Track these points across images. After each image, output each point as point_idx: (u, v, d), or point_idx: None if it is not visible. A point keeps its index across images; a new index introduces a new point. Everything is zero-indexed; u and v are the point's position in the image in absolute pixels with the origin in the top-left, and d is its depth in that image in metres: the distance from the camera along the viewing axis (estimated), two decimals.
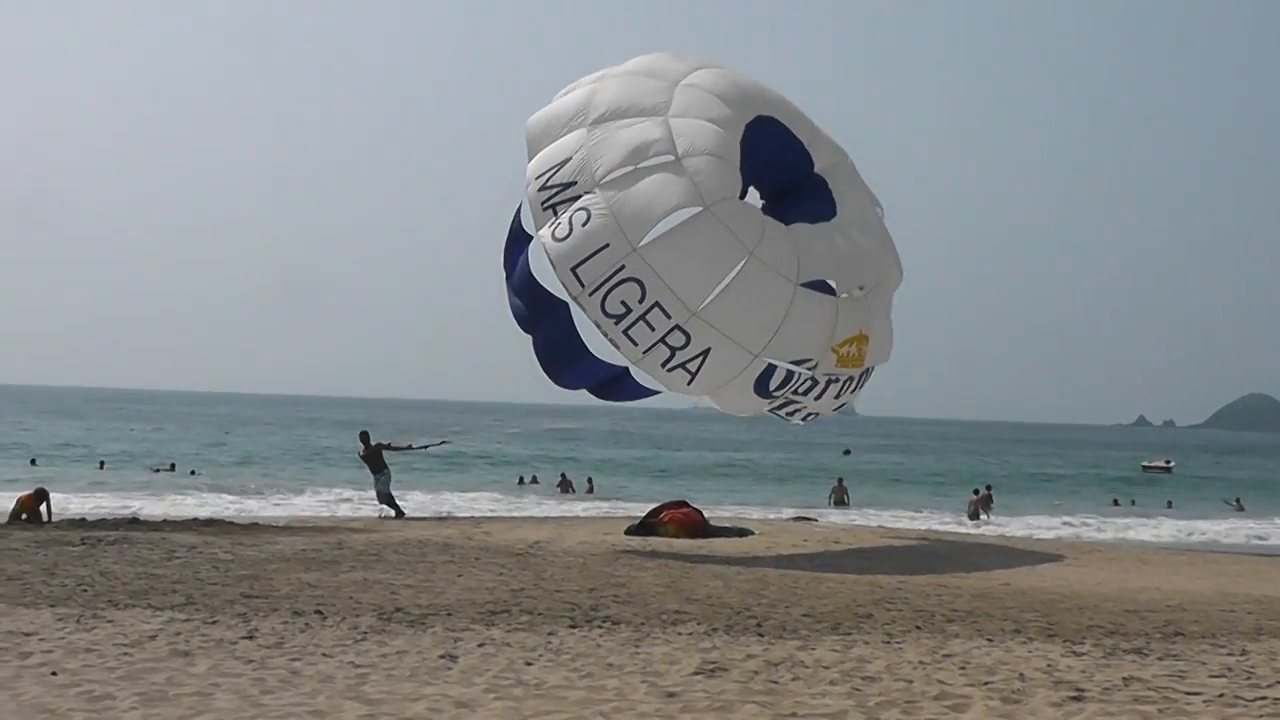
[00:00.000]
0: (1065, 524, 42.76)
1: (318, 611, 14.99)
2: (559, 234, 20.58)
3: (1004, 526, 39.75)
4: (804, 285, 21.22)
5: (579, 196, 20.72)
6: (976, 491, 47.06)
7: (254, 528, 25.89)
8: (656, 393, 22.33)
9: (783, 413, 22.59)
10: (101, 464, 59.00)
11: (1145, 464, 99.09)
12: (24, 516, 26.55)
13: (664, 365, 20.68)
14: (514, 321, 22.30)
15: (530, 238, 21.52)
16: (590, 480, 53.48)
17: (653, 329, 20.33)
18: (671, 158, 20.98)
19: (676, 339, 20.40)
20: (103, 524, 25.80)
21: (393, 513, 30.39)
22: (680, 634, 14.16)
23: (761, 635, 14.23)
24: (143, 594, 16.02)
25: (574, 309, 21.14)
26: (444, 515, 33.24)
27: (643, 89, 21.88)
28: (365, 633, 13.74)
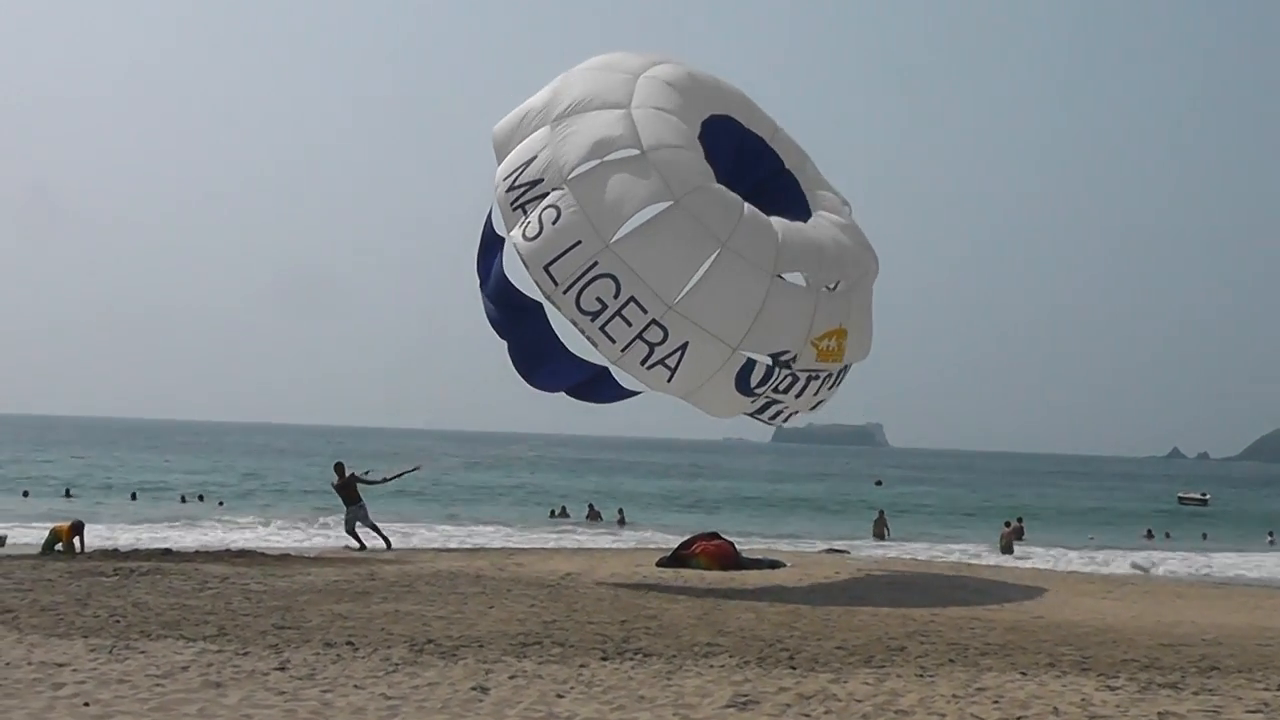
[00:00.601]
0: (1099, 556, 42.50)
1: (349, 643, 15.00)
2: (529, 233, 20.37)
3: (1037, 559, 39.52)
4: (780, 277, 20.94)
5: (547, 194, 20.52)
6: (1008, 524, 46.86)
7: (286, 559, 25.93)
8: (636, 394, 21.96)
9: (764, 416, 22.12)
10: (134, 495, 59.24)
11: (1181, 496, 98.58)
12: (58, 547, 26.67)
13: (643, 363, 20.37)
14: (491, 329, 22.12)
15: (502, 241, 21.31)
16: (620, 511, 53.43)
17: (629, 324, 20.03)
18: (637, 151, 20.72)
19: (654, 334, 20.11)
20: (135, 554, 25.88)
21: (356, 545, 29.86)
22: (712, 666, 14.12)
23: (794, 668, 14.17)
24: (175, 625, 16.06)
25: (549, 309, 20.90)
26: (474, 548, 33.19)
27: (604, 83, 21.69)
28: (397, 664, 13.74)
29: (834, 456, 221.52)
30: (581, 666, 13.92)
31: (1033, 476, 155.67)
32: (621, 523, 50.94)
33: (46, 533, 28.38)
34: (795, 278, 21.33)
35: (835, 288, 21.73)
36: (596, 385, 22.18)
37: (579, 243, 20.06)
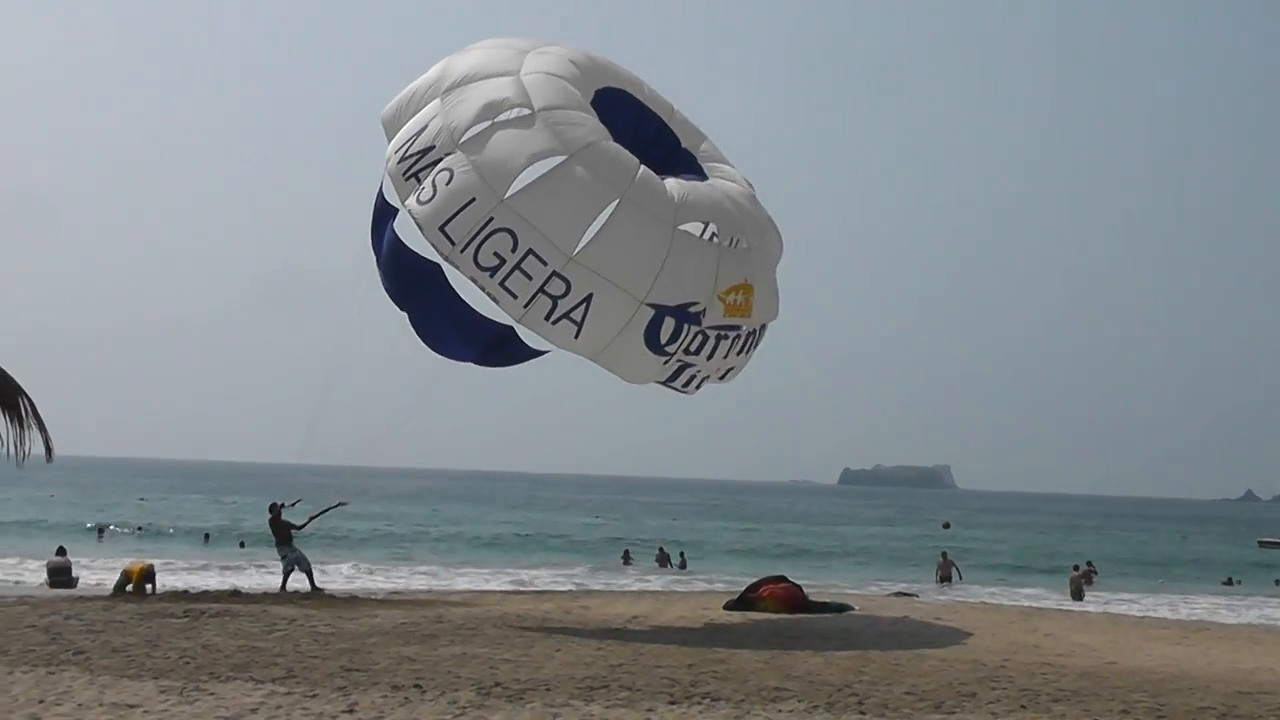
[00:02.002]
0: (1173, 601, 41.97)
1: (417, 685, 14.99)
2: (423, 198, 20.14)
3: (1108, 604, 39.07)
4: (683, 231, 20.54)
5: (440, 160, 20.30)
6: (1077, 568, 46.38)
7: (354, 601, 26.01)
8: (544, 352, 21.18)
9: (678, 383, 21.45)
10: (207, 536, 59.67)
11: (1262, 540, 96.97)
12: (129, 588, 26.86)
13: (548, 318, 19.94)
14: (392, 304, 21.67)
15: (395, 212, 21.05)
16: (682, 555, 53.19)
17: (530, 278, 19.67)
18: (528, 111, 20.55)
19: (556, 287, 19.74)
20: (204, 596, 26.02)
21: (305, 586, 28.76)
22: (781, 711, 14.01)
23: (863, 713, 14.05)
24: (244, 667, 16.11)
25: (449, 273, 20.57)
26: (540, 591, 33.10)
27: (495, 56, 21.54)
28: (464, 708, 13.72)
29: (901, 498, 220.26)
30: (649, 710, 13.85)
31: (1104, 519, 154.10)
32: (683, 566, 50.78)
33: (118, 574, 28.60)
34: (701, 234, 20.98)
35: (735, 244, 21.25)
36: (504, 346, 21.44)
37: (473, 200, 19.80)
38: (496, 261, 19.70)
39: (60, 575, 31.69)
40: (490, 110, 20.51)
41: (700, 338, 20.78)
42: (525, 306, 19.89)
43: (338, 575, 39.62)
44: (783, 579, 27.87)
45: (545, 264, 19.69)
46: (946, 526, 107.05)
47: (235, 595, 26.31)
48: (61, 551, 35.24)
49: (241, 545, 54.26)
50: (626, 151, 20.85)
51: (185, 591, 27.63)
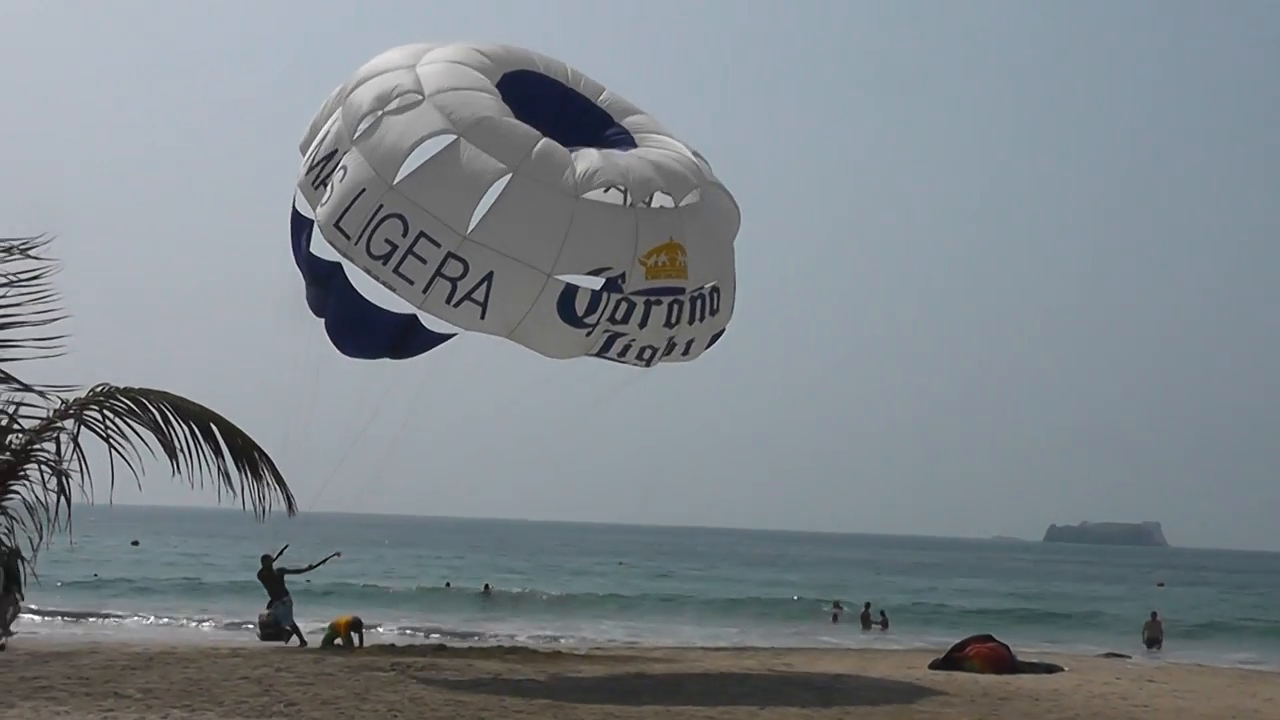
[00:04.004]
0: None
1: None
2: (324, 200, 19.74)
3: None
4: (589, 200, 19.74)
5: (340, 160, 19.86)
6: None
7: (557, 656, 26.18)
8: (452, 335, 20.37)
9: (612, 353, 20.39)
10: (448, 584, 60.55)
11: None
12: (336, 641, 27.36)
13: (449, 301, 19.19)
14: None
15: (309, 223, 20.48)
16: (884, 614, 52.47)
17: (424, 261, 19.01)
18: (419, 97, 19.97)
19: (453, 268, 19.03)
20: (411, 650, 26.39)
21: (294, 639, 29.52)
22: None
23: None
24: None
25: (350, 271, 19.93)
26: (741, 647, 32.90)
27: (395, 55, 20.99)
28: None
29: (1109, 556, 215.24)
30: None
31: None
32: (885, 626, 50.11)
33: (326, 627, 29.16)
34: (612, 200, 20.18)
35: (652, 204, 20.43)
36: (411, 336, 20.66)
37: (363, 191, 19.32)
38: (388, 249, 19.08)
39: (271, 628, 32.41)
40: (380, 101, 19.97)
41: (625, 305, 19.77)
42: (424, 292, 19.19)
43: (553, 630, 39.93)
44: (989, 638, 27.45)
45: (439, 246, 19.04)
46: (1160, 585, 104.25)
47: (441, 650, 26.63)
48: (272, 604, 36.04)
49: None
50: (524, 125, 20.07)
51: (392, 645, 28.06)
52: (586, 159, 20.08)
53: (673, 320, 20.24)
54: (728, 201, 21.90)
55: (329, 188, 19.86)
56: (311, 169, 20.41)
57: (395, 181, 19.37)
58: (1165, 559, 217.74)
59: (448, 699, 18.22)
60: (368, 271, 19.41)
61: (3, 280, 8.89)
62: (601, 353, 20.26)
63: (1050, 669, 26.11)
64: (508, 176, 19.48)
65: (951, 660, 25.69)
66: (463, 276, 19.10)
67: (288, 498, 9.47)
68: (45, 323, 8.87)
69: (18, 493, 8.76)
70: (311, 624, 32.73)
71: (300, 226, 20.93)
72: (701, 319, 20.79)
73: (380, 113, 19.89)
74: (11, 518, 8.61)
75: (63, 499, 8.70)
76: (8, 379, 8.79)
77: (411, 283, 19.17)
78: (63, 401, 8.82)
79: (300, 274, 21.22)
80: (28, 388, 8.72)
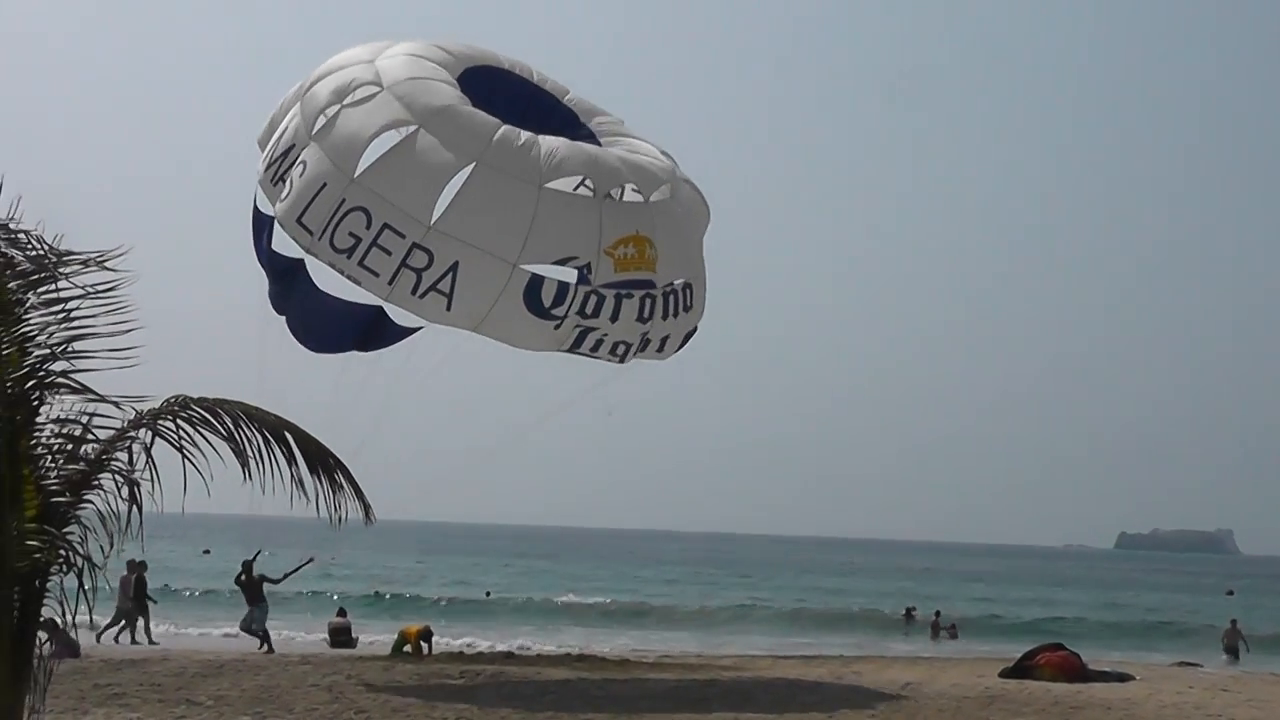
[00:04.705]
0: None
1: None
2: (284, 195, 19.59)
3: None
4: (555, 190, 19.60)
5: (299, 156, 19.73)
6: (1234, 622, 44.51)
7: (625, 664, 26.15)
8: (418, 329, 20.11)
9: (584, 349, 20.08)
10: (488, 593, 60.75)
11: None
12: (406, 649, 27.49)
13: (414, 292, 19.02)
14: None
15: (270, 220, 20.39)
16: (953, 625, 52.01)
17: (389, 253, 18.84)
18: (377, 89, 19.81)
19: (418, 259, 18.86)
20: (480, 658, 26.46)
21: (264, 647, 29.48)
22: None
23: None
24: None
25: (313, 266, 19.80)
26: (810, 656, 32.85)
27: (357, 51, 20.87)
28: None
29: (1181, 564, 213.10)
30: None
31: None
32: (954, 635, 49.76)
33: (395, 635, 29.29)
34: (577, 191, 20.12)
35: (620, 197, 20.29)
36: (378, 329, 20.32)
37: (324, 185, 19.19)
38: (352, 242, 18.96)
39: (341, 636, 32.62)
40: (338, 95, 19.88)
41: (594, 298, 19.57)
42: (390, 284, 19.06)
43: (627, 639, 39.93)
44: (1060, 646, 27.27)
45: (403, 237, 18.94)
46: (1230, 594, 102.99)
47: (510, 657, 26.69)
48: (342, 612, 36.22)
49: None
50: (483, 114, 19.91)
51: (460, 653, 28.15)
52: (551, 147, 19.84)
53: (645, 315, 20.09)
54: (698, 199, 21.73)
55: (288, 183, 19.72)
56: (270, 165, 20.29)
57: (356, 174, 19.27)
58: (1238, 567, 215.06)
59: (516, 707, 18.28)
60: (332, 266, 19.26)
61: (79, 292, 8.97)
62: (574, 349, 20.03)
63: (1122, 678, 25.85)
64: (471, 166, 19.35)
65: (1022, 669, 25.48)
66: (428, 267, 18.98)
67: (365, 506, 9.48)
68: (120, 334, 8.95)
69: (91, 502, 8.83)
70: (378, 634, 32.92)
71: (261, 224, 20.83)
72: (675, 315, 20.61)
73: (339, 106, 19.81)
74: (85, 527, 8.68)
75: (134, 508, 8.77)
76: (83, 389, 8.85)
77: (377, 275, 19.04)
78: (136, 412, 8.86)
79: (263, 272, 20.98)
80: (102, 398, 8.77)
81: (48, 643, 8.78)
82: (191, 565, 76.65)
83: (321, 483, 9.18)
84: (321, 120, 19.85)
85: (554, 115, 21.66)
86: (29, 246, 8.97)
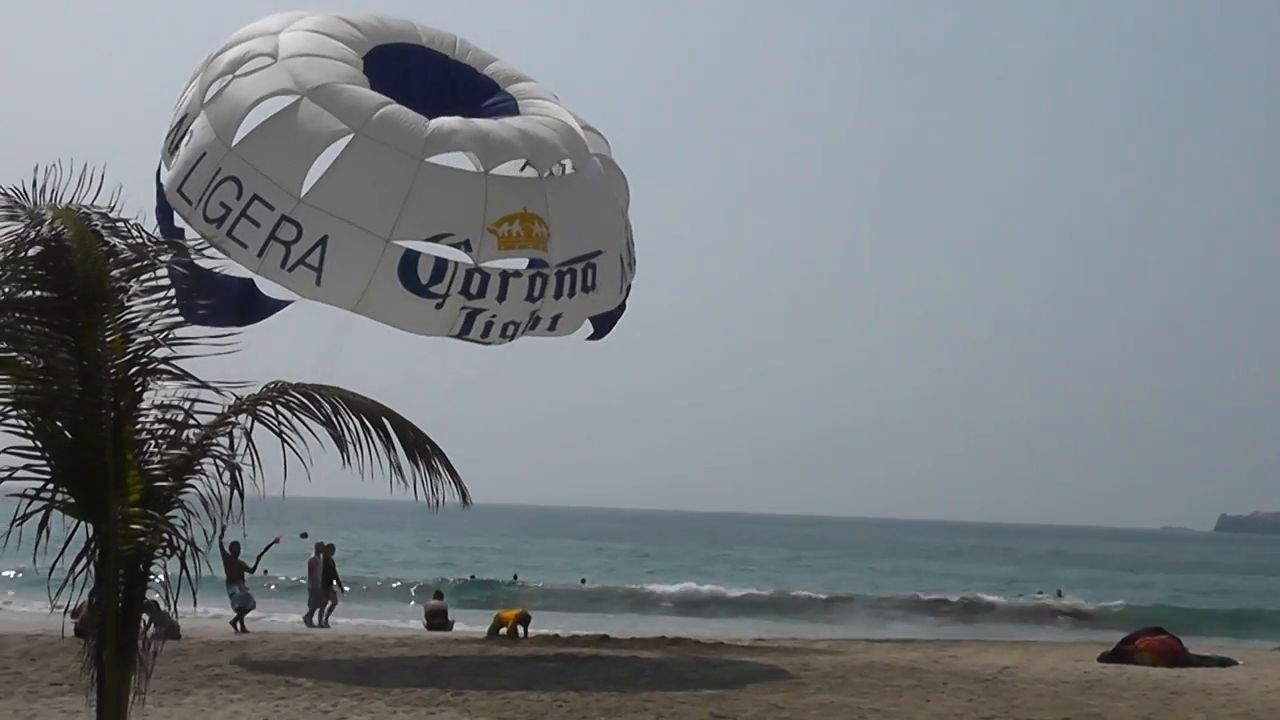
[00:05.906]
0: None
1: None
2: (173, 164, 19.24)
3: None
4: (437, 165, 19.16)
5: (189, 126, 19.38)
6: None
7: (719, 646, 26.14)
8: (289, 303, 19.40)
9: (474, 334, 19.55)
10: (583, 580, 60.93)
11: None
12: (502, 632, 27.65)
13: (284, 266, 18.59)
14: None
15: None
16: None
17: (257, 225, 18.42)
18: (271, 60, 19.43)
19: (287, 232, 18.42)
20: (575, 641, 26.56)
21: (239, 625, 29.11)
22: None
23: None
24: (614, 711, 16.37)
25: (191, 237, 18.72)
26: (906, 639, 32.67)
27: (264, 23, 20.47)
28: None
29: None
30: None
31: None
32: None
33: (491, 618, 29.46)
34: (461, 165, 19.63)
35: (521, 171, 19.82)
36: (251, 303, 19.43)
37: (204, 155, 18.87)
38: (223, 212, 18.58)
39: (437, 618, 32.84)
40: (233, 65, 19.55)
41: (478, 278, 19.02)
42: (259, 256, 18.61)
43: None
44: (1160, 631, 26.94)
45: (272, 209, 18.53)
46: None
47: (605, 640, 26.76)
48: (439, 595, 36.47)
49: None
50: (369, 90, 19.53)
51: (556, 635, 28.29)
52: (440, 122, 19.49)
53: (535, 294, 19.63)
54: (614, 174, 21.29)
55: (177, 153, 19.48)
56: (168, 135, 20.01)
57: (234, 143, 18.96)
58: None
59: (611, 690, 18.32)
60: (203, 235, 18.50)
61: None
62: (463, 334, 19.61)
63: (1224, 663, 25.53)
64: (348, 137, 19.00)
65: (1121, 653, 25.21)
66: (296, 240, 18.62)
67: (462, 491, 9.54)
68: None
69: (193, 486, 8.95)
70: (473, 623, 33.12)
71: (161, 194, 20.40)
72: (571, 294, 20.07)
73: (231, 77, 19.53)
74: (189, 511, 8.80)
75: (235, 492, 8.88)
76: (184, 375, 8.97)
77: (245, 246, 18.65)
78: (237, 398, 8.98)
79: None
80: (203, 384, 8.88)
81: (151, 625, 8.92)
82: (290, 549, 77.24)
83: (419, 467, 9.24)
84: (213, 90, 19.56)
85: (471, 86, 21.33)
86: (130, 235, 9.10)
